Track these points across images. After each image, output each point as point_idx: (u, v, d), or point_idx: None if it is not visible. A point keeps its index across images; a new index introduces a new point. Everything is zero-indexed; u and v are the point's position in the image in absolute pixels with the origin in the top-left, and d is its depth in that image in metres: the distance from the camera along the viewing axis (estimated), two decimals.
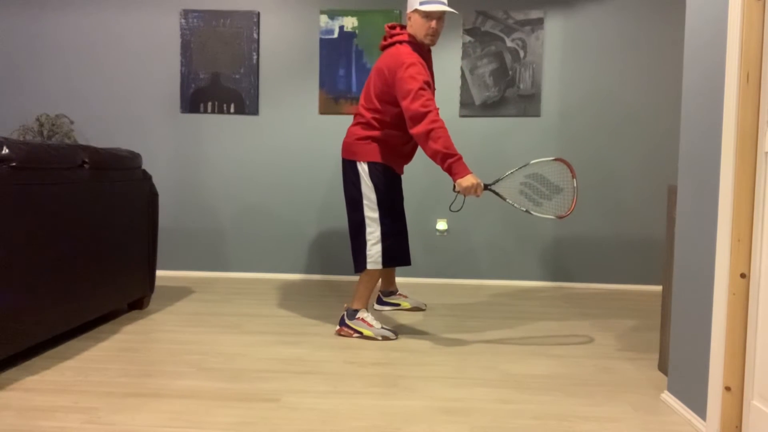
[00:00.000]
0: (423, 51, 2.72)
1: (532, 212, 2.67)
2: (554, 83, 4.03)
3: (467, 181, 2.49)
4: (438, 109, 2.55)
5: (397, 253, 2.76)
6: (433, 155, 2.51)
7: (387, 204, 2.73)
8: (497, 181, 2.74)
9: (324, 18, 4.06)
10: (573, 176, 2.73)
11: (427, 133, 2.49)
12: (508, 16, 3.99)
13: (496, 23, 4.00)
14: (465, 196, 2.56)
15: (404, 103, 2.54)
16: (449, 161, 2.50)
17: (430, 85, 2.58)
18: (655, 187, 4.04)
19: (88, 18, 4.16)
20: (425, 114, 2.49)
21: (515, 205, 2.71)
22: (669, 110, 4.01)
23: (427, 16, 2.63)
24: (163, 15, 4.14)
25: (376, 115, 2.71)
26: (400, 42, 2.67)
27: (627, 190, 4.05)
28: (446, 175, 4.05)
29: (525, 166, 2.79)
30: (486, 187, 2.58)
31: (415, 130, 2.52)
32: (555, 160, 2.73)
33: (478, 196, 2.55)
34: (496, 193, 2.69)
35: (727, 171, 1.72)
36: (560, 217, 2.67)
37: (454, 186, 2.55)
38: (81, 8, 4.15)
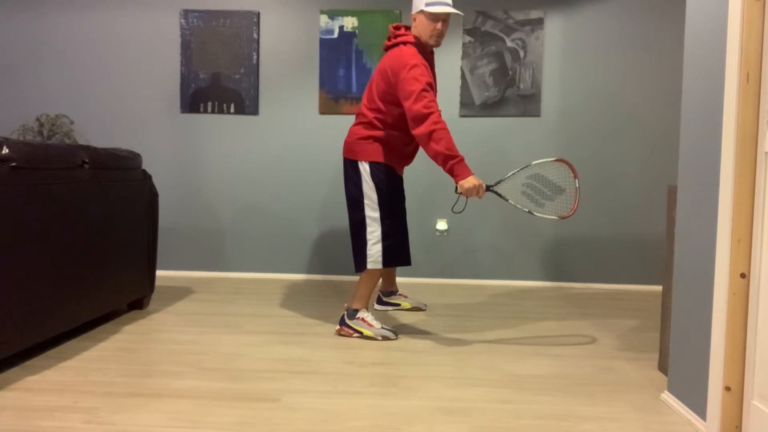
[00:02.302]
0: (426, 52, 2.73)
1: (534, 213, 2.67)
2: (554, 83, 4.03)
3: (469, 182, 2.50)
4: (440, 111, 2.55)
5: (397, 253, 2.76)
6: (435, 156, 2.51)
7: (388, 204, 2.73)
8: (499, 182, 2.74)
9: (324, 18, 4.06)
10: (575, 176, 2.74)
11: (429, 134, 2.49)
12: (508, 16, 3.99)
13: (496, 23, 4.00)
14: (467, 197, 2.57)
15: (407, 104, 2.54)
16: (451, 162, 2.50)
17: (432, 87, 2.59)
18: (655, 187, 4.04)
19: (88, 18, 4.16)
20: (428, 115, 2.50)
21: (517, 206, 2.71)
22: (669, 110, 4.01)
23: (433, 17, 2.63)
24: (163, 15, 4.14)
25: (379, 115, 2.72)
26: (404, 43, 2.68)
27: (627, 190, 4.05)
28: (447, 175, 4.06)
29: (527, 167, 2.79)
30: (488, 188, 2.59)
31: (418, 131, 2.53)
32: (556, 160, 2.74)
33: (480, 197, 2.56)
34: (498, 194, 2.69)
35: (727, 171, 1.72)
36: (563, 218, 2.68)
37: (456, 188, 2.55)
38: (81, 8, 4.15)
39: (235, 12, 4.08)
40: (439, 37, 2.68)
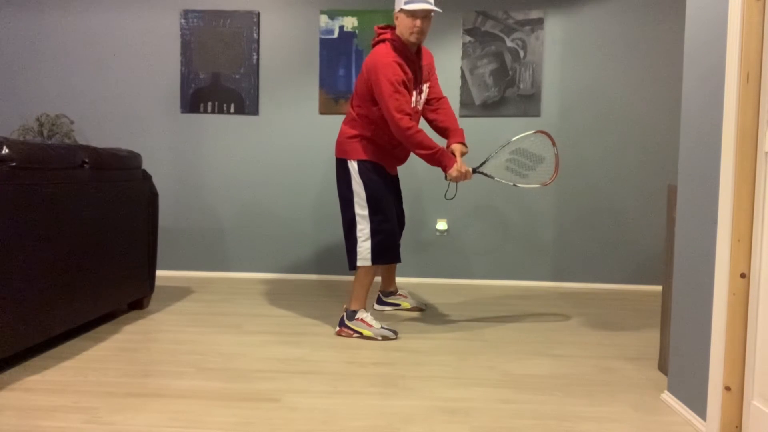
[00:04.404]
0: (409, 51, 2.72)
1: (518, 185, 2.87)
2: (554, 83, 4.03)
3: (456, 170, 2.68)
4: (417, 111, 2.66)
5: (385, 250, 2.77)
6: (419, 156, 2.68)
7: (377, 201, 2.75)
8: (484, 162, 2.88)
9: (324, 18, 4.06)
10: (553, 144, 2.88)
11: (406, 140, 2.63)
12: (508, 16, 3.99)
13: (496, 23, 4.00)
14: (457, 183, 2.75)
15: (381, 104, 2.63)
16: (436, 158, 2.65)
17: (405, 85, 2.63)
18: (655, 187, 4.04)
19: (88, 18, 4.16)
20: (398, 119, 2.59)
21: (503, 181, 2.88)
22: (669, 110, 4.01)
23: (412, 14, 2.64)
24: (163, 15, 4.14)
25: (363, 113, 2.75)
26: (383, 41, 2.70)
27: (627, 190, 4.05)
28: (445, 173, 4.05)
29: (507, 144, 2.99)
30: (474, 170, 2.77)
31: (395, 133, 2.65)
32: (536, 132, 2.89)
33: (469, 179, 2.74)
34: (485, 174, 2.86)
35: (727, 171, 1.72)
36: (545, 185, 2.85)
37: (446, 176, 2.71)
38: (81, 8, 4.15)
39: (235, 12, 4.08)
40: (420, 34, 2.66)
